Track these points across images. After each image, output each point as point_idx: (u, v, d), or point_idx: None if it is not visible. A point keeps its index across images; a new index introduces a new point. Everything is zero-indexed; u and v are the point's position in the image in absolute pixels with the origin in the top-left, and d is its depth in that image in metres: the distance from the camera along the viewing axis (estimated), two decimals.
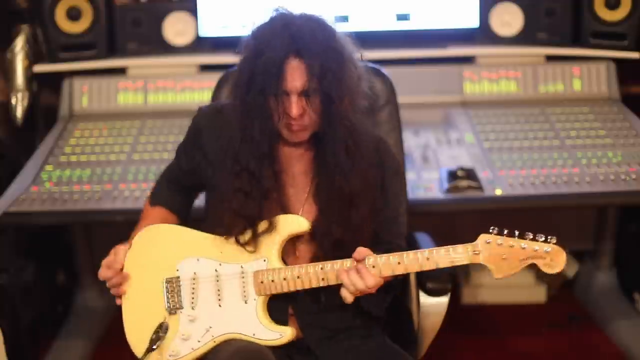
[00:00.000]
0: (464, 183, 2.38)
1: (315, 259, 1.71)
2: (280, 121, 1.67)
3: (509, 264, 1.57)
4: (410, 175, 2.39)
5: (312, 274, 1.65)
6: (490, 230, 1.58)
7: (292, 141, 1.72)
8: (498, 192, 2.37)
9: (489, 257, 1.58)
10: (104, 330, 3.03)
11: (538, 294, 3.20)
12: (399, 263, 1.61)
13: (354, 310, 1.71)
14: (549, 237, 1.56)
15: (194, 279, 1.73)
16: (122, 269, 1.76)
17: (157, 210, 1.91)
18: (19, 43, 2.87)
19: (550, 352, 2.86)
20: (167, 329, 1.71)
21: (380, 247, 1.69)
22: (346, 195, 1.71)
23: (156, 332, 1.71)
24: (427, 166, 2.55)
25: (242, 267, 1.71)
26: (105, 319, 3.08)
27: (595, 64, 2.87)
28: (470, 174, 2.41)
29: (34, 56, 2.91)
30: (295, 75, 1.62)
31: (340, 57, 1.65)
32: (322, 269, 1.65)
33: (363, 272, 1.61)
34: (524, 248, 1.56)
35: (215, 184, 1.79)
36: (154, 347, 1.69)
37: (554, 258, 1.55)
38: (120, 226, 2.48)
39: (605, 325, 2.97)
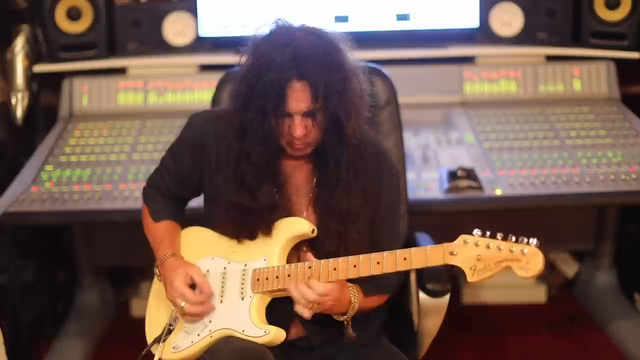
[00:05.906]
0: (464, 183, 2.38)
1: None
2: (282, 139, 1.66)
3: (484, 266, 1.49)
4: (410, 175, 2.39)
5: (299, 273, 1.66)
6: (474, 233, 1.52)
7: (295, 155, 1.71)
8: (498, 192, 2.37)
9: (465, 259, 1.52)
10: (104, 330, 3.04)
11: (538, 294, 3.20)
12: (378, 263, 1.60)
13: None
14: (530, 240, 1.46)
15: (205, 276, 1.76)
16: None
17: (167, 224, 1.88)
18: (19, 43, 2.87)
19: (550, 352, 2.85)
20: (174, 322, 1.76)
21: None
22: (344, 210, 1.70)
23: (165, 325, 1.76)
24: (427, 166, 2.55)
25: (245, 265, 1.74)
26: (105, 319, 3.09)
27: (595, 64, 2.87)
28: (470, 174, 2.41)
29: (34, 56, 2.91)
30: (299, 98, 1.58)
31: (344, 73, 1.62)
32: (310, 267, 1.66)
33: (311, 282, 1.61)
34: (500, 249, 1.47)
35: (216, 195, 1.78)
36: (164, 338, 1.75)
37: (530, 260, 1.44)
38: (120, 226, 2.49)
39: (605, 325, 2.96)
